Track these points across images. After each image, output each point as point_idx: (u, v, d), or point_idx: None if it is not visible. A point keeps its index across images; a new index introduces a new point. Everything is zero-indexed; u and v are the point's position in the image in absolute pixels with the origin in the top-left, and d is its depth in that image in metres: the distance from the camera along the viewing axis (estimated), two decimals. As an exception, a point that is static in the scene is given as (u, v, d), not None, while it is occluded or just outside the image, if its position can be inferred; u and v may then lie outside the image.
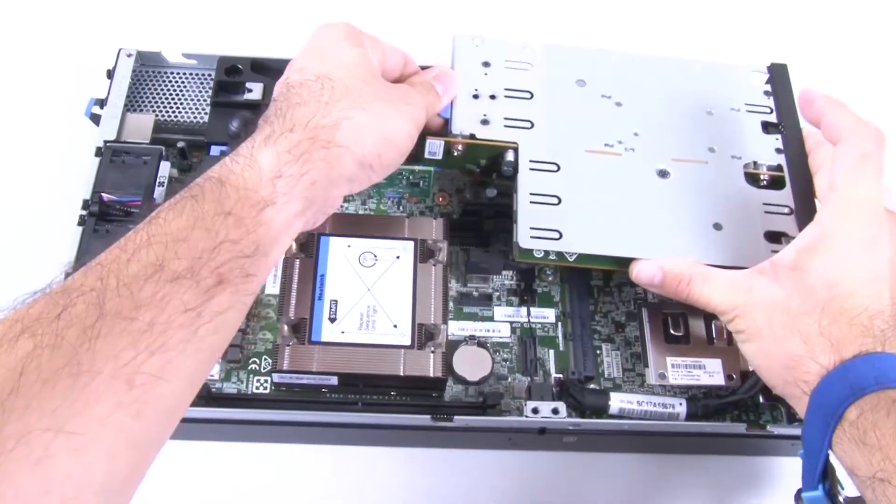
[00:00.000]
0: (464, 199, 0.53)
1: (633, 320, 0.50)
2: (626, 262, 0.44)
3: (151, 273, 0.31)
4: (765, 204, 0.45)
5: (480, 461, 0.48)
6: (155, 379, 0.30)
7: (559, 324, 0.50)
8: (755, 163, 0.47)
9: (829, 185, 0.40)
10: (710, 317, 0.49)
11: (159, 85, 0.56)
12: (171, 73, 0.56)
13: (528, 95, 0.48)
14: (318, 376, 0.44)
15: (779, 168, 0.47)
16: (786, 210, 0.45)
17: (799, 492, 0.38)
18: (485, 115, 0.46)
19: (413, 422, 0.44)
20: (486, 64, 0.49)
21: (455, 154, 0.46)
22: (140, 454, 0.30)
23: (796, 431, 0.46)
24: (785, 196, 0.46)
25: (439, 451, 0.48)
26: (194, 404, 0.43)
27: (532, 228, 0.43)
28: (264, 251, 0.34)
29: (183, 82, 0.56)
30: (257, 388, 0.47)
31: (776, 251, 0.42)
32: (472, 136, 0.46)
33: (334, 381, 0.44)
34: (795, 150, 0.46)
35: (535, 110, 0.47)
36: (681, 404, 0.46)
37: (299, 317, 0.45)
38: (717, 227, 0.44)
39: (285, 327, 0.45)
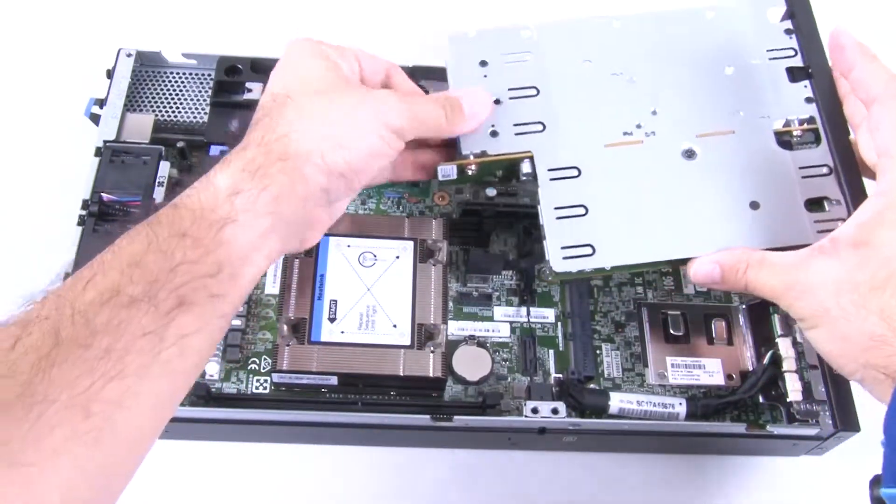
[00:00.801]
0: (464, 199, 0.53)
1: (632, 320, 0.50)
2: (667, 262, 0.41)
3: (107, 299, 0.30)
4: (801, 168, 0.42)
5: (480, 461, 0.48)
6: (114, 406, 0.29)
7: (559, 324, 0.50)
8: (786, 121, 0.43)
9: (879, 151, 0.38)
10: (710, 316, 0.50)
11: (159, 85, 0.56)
12: (171, 73, 0.56)
13: (535, 92, 0.45)
14: (318, 376, 0.44)
15: (811, 121, 0.44)
16: (824, 170, 0.42)
17: (875, 480, 0.35)
18: (493, 126, 0.44)
19: (413, 422, 0.44)
20: (484, 63, 0.46)
21: (469, 173, 0.44)
22: (103, 481, 0.29)
23: (796, 431, 0.46)
24: (821, 154, 0.43)
25: (439, 451, 0.48)
26: (194, 404, 0.44)
27: (563, 248, 0.41)
28: (231, 272, 0.34)
29: (183, 82, 0.56)
30: (257, 388, 0.47)
31: (820, 220, 0.40)
32: (484, 154, 0.44)
33: (334, 381, 0.45)
34: (828, 96, 0.43)
35: (545, 108, 0.45)
36: (680, 404, 0.46)
37: (299, 317, 0.45)
38: (755, 205, 0.42)
39: (285, 327, 0.45)
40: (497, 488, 0.47)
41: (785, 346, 0.48)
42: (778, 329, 0.49)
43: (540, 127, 0.44)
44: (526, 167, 0.43)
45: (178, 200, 0.35)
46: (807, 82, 0.45)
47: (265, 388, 0.47)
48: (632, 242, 0.41)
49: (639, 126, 0.44)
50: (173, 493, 0.46)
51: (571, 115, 0.44)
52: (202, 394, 0.45)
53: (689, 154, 0.43)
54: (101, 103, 0.54)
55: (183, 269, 0.32)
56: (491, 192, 0.51)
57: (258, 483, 0.47)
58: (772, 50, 0.46)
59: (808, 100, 0.44)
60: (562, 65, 0.46)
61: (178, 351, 0.31)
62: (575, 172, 0.43)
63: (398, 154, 0.41)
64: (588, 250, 0.41)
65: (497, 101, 0.45)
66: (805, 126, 0.44)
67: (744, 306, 0.50)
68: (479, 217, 0.52)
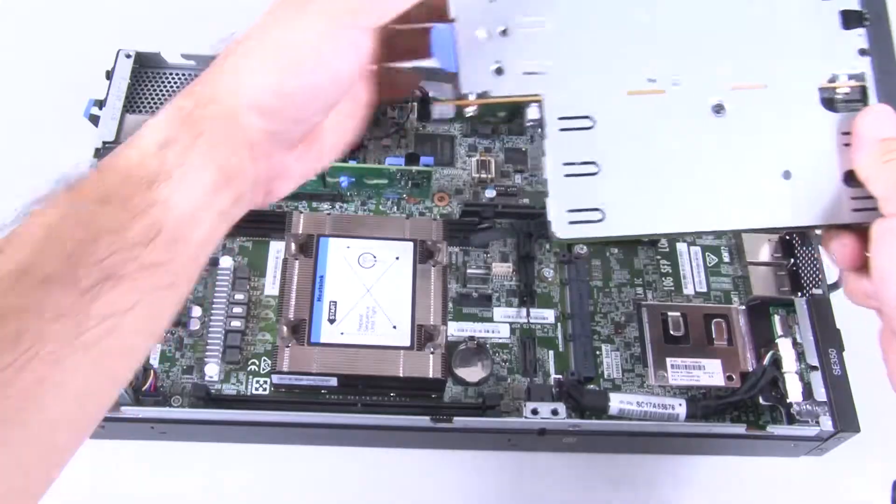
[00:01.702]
0: (464, 199, 0.53)
1: (632, 321, 0.50)
2: (680, 233, 0.38)
3: (16, 279, 0.26)
4: (843, 133, 0.36)
5: (480, 462, 0.48)
6: (24, 399, 0.26)
7: (559, 325, 0.50)
8: (832, 76, 0.37)
9: None
10: (710, 317, 0.50)
11: (158, 86, 0.56)
12: (170, 74, 0.56)
13: (548, 26, 0.38)
14: (318, 377, 0.44)
15: (862, 77, 0.37)
16: None
17: None
18: (498, 62, 0.37)
19: (412, 423, 0.44)
20: None
21: (468, 114, 0.38)
22: (19, 482, 0.26)
23: (796, 432, 0.46)
24: None
25: (439, 453, 0.48)
26: (194, 405, 0.44)
27: (570, 211, 0.36)
28: (172, 237, 0.29)
29: (182, 83, 0.56)
30: (256, 389, 0.47)
31: (858, 198, 0.35)
32: (486, 95, 0.37)
33: (334, 382, 0.45)
34: (885, 50, 0.37)
35: (559, 44, 0.38)
36: (680, 405, 0.46)
37: (298, 318, 0.45)
38: (787, 175, 0.36)
39: (284, 328, 0.45)
40: (497, 490, 0.48)
41: (785, 347, 0.48)
42: (778, 330, 0.49)
43: (552, 66, 0.37)
44: (532, 112, 0.37)
45: (103, 162, 0.30)
46: (862, 30, 0.38)
47: (265, 390, 0.47)
48: (646, 209, 0.36)
49: (663, 74, 0.37)
50: (173, 495, 0.46)
51: (589, 56, 0.38)
52: (202, 395, 0.45)
53: (719, 109, 0.37)
54: (101, 104, 0.55)
55: (107, 240, 0.28)
56: (491, 192, 0.51)
57: (258, 484, 0.47)
58: None
59: (863, 52, 0.38)
60: None
61: (104, 332, 0.27)
62: (589, 123, 0.37)
63: (365, 67, 0.32)
64: (598, 215, 0.36)
65: (503, 32, 0.38)
66: (854, 83, 0.37)
67: (743, 307, 0.50)
68: (479, 217, 0.52)
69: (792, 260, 0.51)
